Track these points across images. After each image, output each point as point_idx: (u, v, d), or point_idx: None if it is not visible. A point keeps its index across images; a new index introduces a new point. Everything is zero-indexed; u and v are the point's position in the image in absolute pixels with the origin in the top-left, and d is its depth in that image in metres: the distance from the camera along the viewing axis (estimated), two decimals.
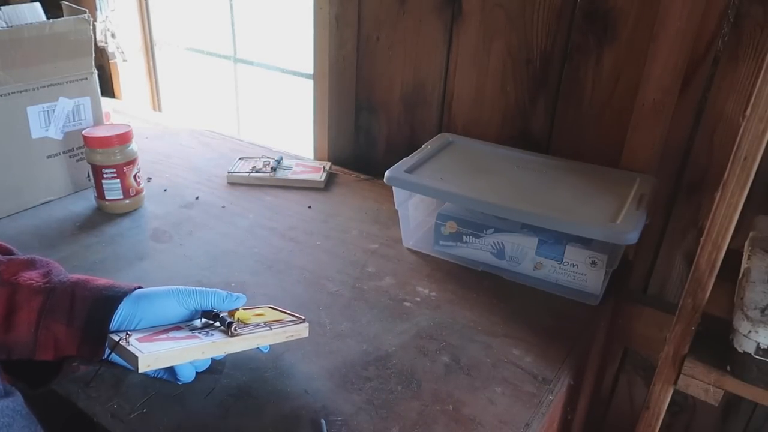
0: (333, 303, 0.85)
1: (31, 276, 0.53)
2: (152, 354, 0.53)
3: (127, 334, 0.55)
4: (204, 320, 0.64)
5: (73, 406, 0.67)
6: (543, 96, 1.06)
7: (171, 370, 0.63)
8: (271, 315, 0.69)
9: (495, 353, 0.77)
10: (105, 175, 1.05)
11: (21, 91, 1.03)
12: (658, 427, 0.75)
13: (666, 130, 0.94)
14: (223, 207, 1.11)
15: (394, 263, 0.96)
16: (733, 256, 0.73)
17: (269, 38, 1.55)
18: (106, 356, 0.55)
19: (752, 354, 0.62)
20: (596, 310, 0.87)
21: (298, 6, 1.41)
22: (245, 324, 0.64)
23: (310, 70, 1.28)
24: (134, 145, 1.07)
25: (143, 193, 1.11)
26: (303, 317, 0.69)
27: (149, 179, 1.20)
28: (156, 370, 0.61)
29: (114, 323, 0.54)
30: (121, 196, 1.07)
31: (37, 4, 1.09)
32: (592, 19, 0.97)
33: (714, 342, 0.67)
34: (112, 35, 1.63)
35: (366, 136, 1.33)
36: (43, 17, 1.08)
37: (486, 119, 1.14)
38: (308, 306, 0.84)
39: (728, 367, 0.66)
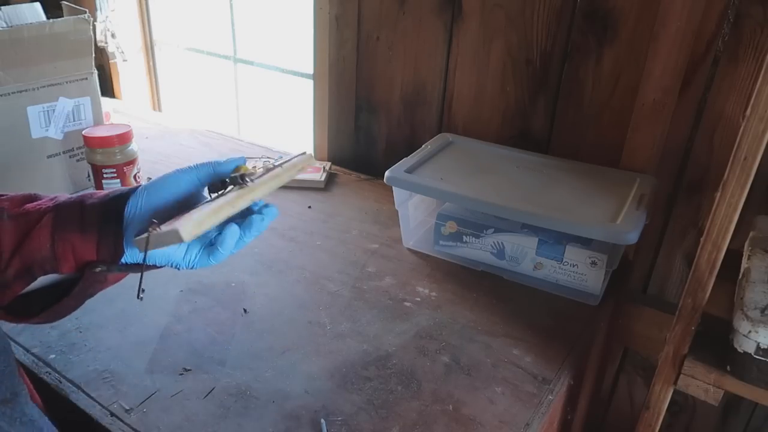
0: (333, 303, 0.85)
1: (39, 203, 0.54)
2: (190, 221, 0.52)
3: (152, 223, 0.53)
4: (211, 187, 0.61)
5: (73, 406, 0.67)
6: (543, 96, 1.06)
7: (210, 251, 0.59)
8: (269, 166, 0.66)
9: (495, 353, 0.77)
10: (105, 175, 1.05)
11: (21, 91, 1.03)
12: (658, 427, 0.75)
13: (666, 130, 0.94)
14: None
15: (394, 263, 0.96)
16: (733, 256, 0.73)
17: (269, 38, 1.55)
18: (142, 258, 0.54)
19: (752, 354, 0.62)
20: (596, 310, 0.87)
21: (298, 6, 1.41)
22: (255, 174, 0.62)
23: (310, 70, 1.28)
24: (134, 145, 1.07)
25: None
26: (302, 151, 0.67)
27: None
28: (195, 255, 0.58)
29: (127, 217, 0.53)
30: None
31: (37, 4, 1.09)
32: (592, 19, 0.97)
33: (714, 342, 0.67)
34: (112, 35, 1.63)
35: (366, 136, 1.33)
36: (43, 17, 1.08)
37: (486, 119, 1.14)
38: (308, 306, 0.84)
39: (728, 367, 0.66)
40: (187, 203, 0.57)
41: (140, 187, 0.56)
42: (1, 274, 0.51)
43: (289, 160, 0.63)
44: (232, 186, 0.59)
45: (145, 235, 0.52)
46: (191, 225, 0.52)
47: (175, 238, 0.51)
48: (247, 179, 0.58)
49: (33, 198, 0.56)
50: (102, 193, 0.56)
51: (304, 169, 0.64)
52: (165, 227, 0.52)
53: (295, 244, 0.99)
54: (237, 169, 0.60)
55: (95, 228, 0.53)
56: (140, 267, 0.56)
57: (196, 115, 1.78)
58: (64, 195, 0.56)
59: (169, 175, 0.57)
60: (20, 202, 0.54)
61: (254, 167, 0.64)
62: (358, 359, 0.75)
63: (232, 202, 0.56)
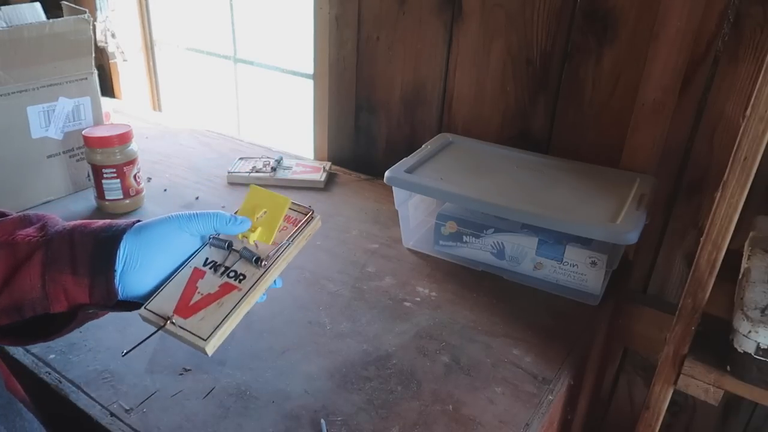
0: (333, 303, 0.85)
1: (28, 232, 0.52)
2: (213, 334, 0.52)
3: (167, 318, 0.53)
4: (213, 242, 0.59)
5: (73, 406, 0.67)
6: (543, 96, 1.06)
7: None
8: (271, 207, 0.61)
9: (495, 353, 0.77)
10: (105, 175, 1.05)
11: (21, 91, 1.03)
12: (658, 427, 0.75)
13: (666, 130, 0.94)
14: (223, 207, 1.11)
15: (394, 263, 0.96)
16: (733, 256, 0.73)
17: (269, 38, 1.55)
18: (151, 334, 0.53)
19: (752, 354, 0.62)
20: (596, 310, 0.87)
21: (298, 6, 1.41)
22: (264, 245, 0.59)
23: (310, 70, 1.28)
24: (134, 145, 1.07)
25: (143, 193, 1.11)
26: (307, 207, 0.62)
27: (149, 179, 1.20)
28: None
29: (119, 263, 0.52)
30: (121, 196, 1.07)
31: (37, 4, 1.09)
32: (592, 19, 0.97)
33: (714, 342, 0.67)
34: (112, 35, 1.63)
35: (366, 136, 1.33)
36: (43, 17, 1.08)
37: (486, 119, 1.14)
38: (308, 306, 0.84)
39: (728, 367, 0.65)
40: (180, 251, 0.56)
41: (134, 229, 0.53)
42: None
43: (298, 231, 0.60)
44: (239, 257, 0.57)
45: (159, 323, 0.52)
46: (216, 339, 0.52)
47: (198, 348, 0.52)
48: (262, 263, 0.56)
49: (24, 222, 0.53)
50: (94, 227, 0.53)
51: (311, 235, 0.62)
52: (179, 323, 0.52)
53: None
54: (245, 236, 0.59)
55: (87, 271, 0.51)
56: (131, 307, 0.55)
57: (196, 115, 1.78)
58: (53, 221, 0.54)
59: (167, 222, 0.55)
60: (10, 229, 0.52)
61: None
62: (358, 359, 0.75)
63: (250, 298, 0.55)
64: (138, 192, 1.09)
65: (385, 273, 0.93)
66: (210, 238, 0.58)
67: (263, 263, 0.56)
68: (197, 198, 1.14)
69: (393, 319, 0.82)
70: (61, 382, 0.70)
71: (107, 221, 0.55)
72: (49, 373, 0.71)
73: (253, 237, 0.58)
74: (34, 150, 1.07)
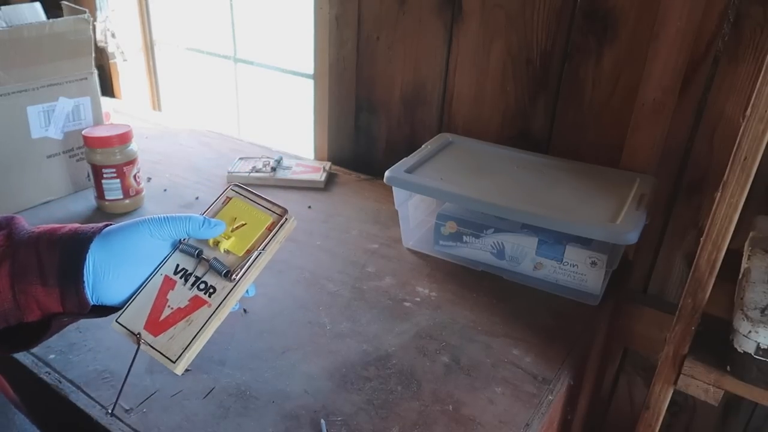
0: (333, 303, 0.85)
1: None
2: (181, 356, 0.51)
3: (136, 334, 0.52)
4: (183, 248, 0.57)
5: (73, 406, 0.67)
6: (543, 96, 1.06)
7: None
8: (251, 222, 0.59)
9: (495, 353, 0.77)
10: (105, 175, 1.05)
11: (21, 91, 1.03)
12: (658, 427, 0.75)
13: (666, 130, 0.94)
14: None
15: (394, 263, 0.96)
16: (733, 256, 0.73)
17: (269, 38, 1.55)
18: (130, 366, 0.53)
19: (752, 354, 0.62)
20: (596, 310, 0.87)
21: (298, 6, 1.41)
22: (234, 254, 0.57)
23: (310, 70, 1.28)
24: (134, 145, 1.07)
25: (143, 193, 1.11)
26: (282, 207, 0.60)
27: (149, 179, 1.20)
28: None
29: (87, 271, 0.50)
30: (121, 196, 1.07)
31: (37, 4, 1.09)
32: (592, 19, 0.97)
33: (714, 342, 0.67)
34: (112, 35, 1.63)
35: (366, 136, 1.33)
36: (43, 17, 1.08)
37: (486, 119, 1.14)
38: (308, 306, 0.84)
39: (728, 367, 0.65)
40: (151, 257, 0.55)
41: (101, 235, 0.52)
42: None
43: (271, 237, 0.58)
44: (208, 266, 0.55)
45: (136, 344, 0.52)
46: (185, 360, 0.52)
47: (168, 366, 0.52)
48: (233, 276, 0.54)
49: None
50: (60, 233, 0.51)
51: (285, 239, 0.59)
52: (148, 341, 0.52)
53: (295, 244, 0.99)
54: (215, 242, 0.57)
55: (56, 281, 0.50)
56: (108, 311, 0.54)
57: (196, 115, 1.78)
58: (18, 228, 0.52)
59: (135, 228, 0.53)
60: None
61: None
62: (358, 359, 0.75)
63: (220, 314, 0.54)
64: (138, 192, 1.09)
65: (385, 273, 0.93)
66: (180, 243, 0.56)
67: (233, 277, 0.54)
68: (197, 198, 1.14)
69: (393, 319, 0.82)
70: (61, 382, 0.70)
71: (75, 226, 0.53)
72: (49, 373, 0.71)
73: (225, 245, 0.57)
74: (34, 150, 1.07)
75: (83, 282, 0.50)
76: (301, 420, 0.65)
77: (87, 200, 1.12)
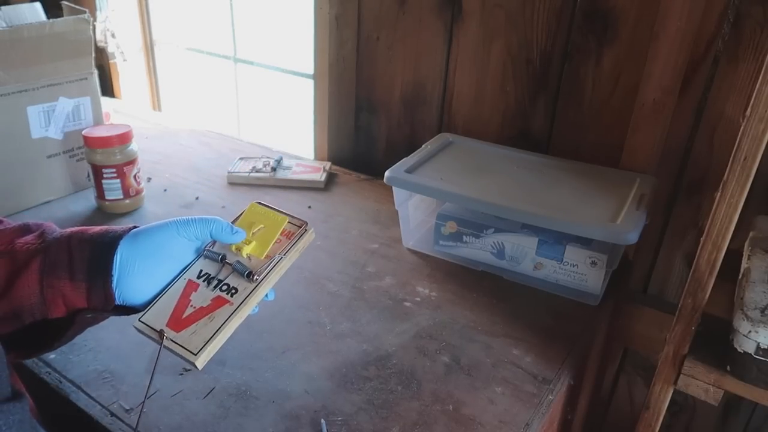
0: (333, 303, 0.85)
1: (27, 240, 0.52)
2: (203, 349, 0.53)
3: (159, 331, 0.54)
4: (207, 254, 0.59)
5: (73, 406, 0.67)
6: (543, 96, 1.06)
7: None
8: (268, 224, 0.62)
9: (495, 353, 0.77)
10: (105, 175, 1.05)
11: (21, 91, 1.03)
12: (658, 427, 0.75)
13: (666, 130, 0.94)
14: (223, 207, 1.11)
15: (394, 263, 0.96)
16: (733, 256, 0.73)
17: (269, 38, 1.55)
18: (156, 360, 0.54)
19: (752, 354, 0.62)
20: (596, 310, 0.87)
21: (298, 6, 1.41)
22: (256, 258, 0.59)
23: (310, 70, 1.28)
24: (134, 145, 1.07)
25: (143, 193, 1.11)
26: (303, 220, 0.62)
27: (149, 179, 1.20)
28: None
29: (115, 267, 0.52)
30: (121, 196, 1.07)
31: (37, 4, 1.09)
32: (592, 19, 0.97)
33: (714, 342, 0.67)
34: (112, 35, 1.63)
35: (366, 136, 1.33)
36: (43, 17, 1.08)
37: (486, 119, 1.14)
38: (308, 306, 0.84)
39: (728, 367, 0.66)
40: (176, 257, 0.57)
41: (130, 234, 0.54)
42: None
43: (291, 244, 0.60)
44: (231, 270, 0.58)
45: (154, 337, 0.53)
46: (206, 354, 0.53)
47: (189, 362, 0.52)
48: (254, 277, 0.57)
49: (24, 230, 0.54)
50: (91, 233, 0.54)
51: (304, 248, 0.62)
52: (172, 337, 0.53)
53: None
54: (238, 247, 0.59)
55: (84, 276, 0.52)
56: (129, 311, 0.55)
57: (196, 115, 1.78)
58: (51, 228, 0.55)
59: (164, 228, 0.56)
60: (10, 237, 0.52)
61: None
62: (358, 359, 0.75)
63: (241, 313, 0.55)
64: (138, 192, 1.09)
65: (385, 273, 0.93)
66: (204, 250, 0.58)
67: (255, 278, 0.57)
68: (197, 198, 1.14)
69: (393, 319, 0.82)
70: (61, 382, 0.70)
71: (104, 227, 0.55)
72: (49, 373, 0.71)
73: (247, 250, 0.59)
74: (34, 150, 1.07)
75: (111, 276, 0.52)
76: (301, 420, 0.65)
77: (87, 200, 1.12)
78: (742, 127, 0.56)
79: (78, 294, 0.52)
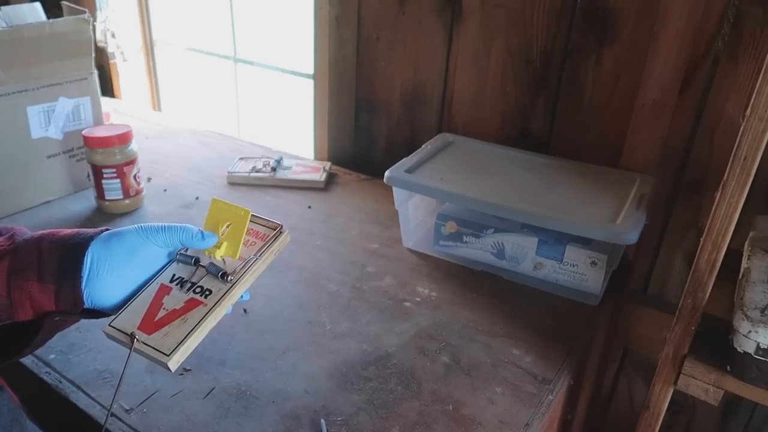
0: (333, 303, 0.85)
1: None
2: (176, 350, 0.52)
3: (130, 334, 0.53)
4: (180, 258, 0.59)
5: (73, 406, 0.67)
6: (543, 96, 1.06)
7: None
8: (234, 220, 0.60)
9: (495, 353, 0.77)
10: (105, 175, 1.05)
11: (21, 91, 1.03)
12: (658, 427, 0.75)
13: (666, 130, 0.94)
14: None
15: (394, 263, 0.96)
16: (733, 256, 0.73)
17: (269, 38, 1.55)
18: (125, 364, 0.53)
19: (752, 354, 0.62)
20: (596, 310, 0.87)
21: (298, 6, 1.41)
22: (231, 259, 0.59)
23: (310, 70, 1.28)
24: (134, 145, 1.07)
25: (143, 193, 1.11)
26: (278, 223, 0.62)
27: (149, 179, 1.20)
28: None
29: (85, 268, 0.52)
30: (121, 196, 1.07)
31: (37, 4, 1.09)
32: (592, 19, 0.97)
33: (714, 342, 0.67)
34: (112, 35, 1.63)
35: (366, 136, 1.33)
36: (43, 17, 1.08)
37: (486, 119, 1.14)
38: (308, 306, 0.84)
39: (728, 367, 0.66)
40: (148, 262, 0.56)
41: (101, 237, 0.54)
42: None
43: (266, 246, 0.60)
44: (205, 272, 0.57)
45: (126, 341, 0.52)
46: (178, 355, 0.52)
47: (162, 364, 0.52)
48: (229, 278, 0.56)
49: (3, 228, 0.53)
50: (62, 234, 0.54)
51: (279, 251, 0.61)
52: (143, 340, 0.52)
53: (295, 244, 0.99)
54: (210, 252, 0.58)
55: (53, 278, 0.51)
56: (98, 315, 0.55)
57: (196, 115, 1.78)
58: (21, 231, 0.54)
59: (133, 232, 0.55)
60: None
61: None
62: (358, 359, 0.75)
63: (215, 313, 0.55)
64: (138, 192, 1.09)
65: (385, 273, 0.93)
66: (177, 254, 0.58)
67: (230, 278, 0.56)
68: (197, 198, 1.14)
69: (393, 319, 0.82)
70: (61, 382, 0.70)
71: (75, 230, 0.55)
72: (49, 373, 0.71)
73: (220, 253, 0.58)
74: (34, 150, 1.07)
75: (81, 278, 0.51)
76: (301, 420, 0.65)
77: (87, 200, 1.12)
78: (742, 127, 0.56)
79: (46, 296, 0.51)
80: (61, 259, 0.52)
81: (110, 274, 0.53)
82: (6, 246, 0.52)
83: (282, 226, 0.61)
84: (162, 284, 0.56)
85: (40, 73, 1.04)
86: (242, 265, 0.57)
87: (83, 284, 0.52)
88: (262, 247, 0.59)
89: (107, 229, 0.55)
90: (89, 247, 0.52)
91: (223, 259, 0.58)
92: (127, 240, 0.55)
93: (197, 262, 0.57)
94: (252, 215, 0.61)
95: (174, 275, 0.57)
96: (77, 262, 0.52)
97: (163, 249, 0.57)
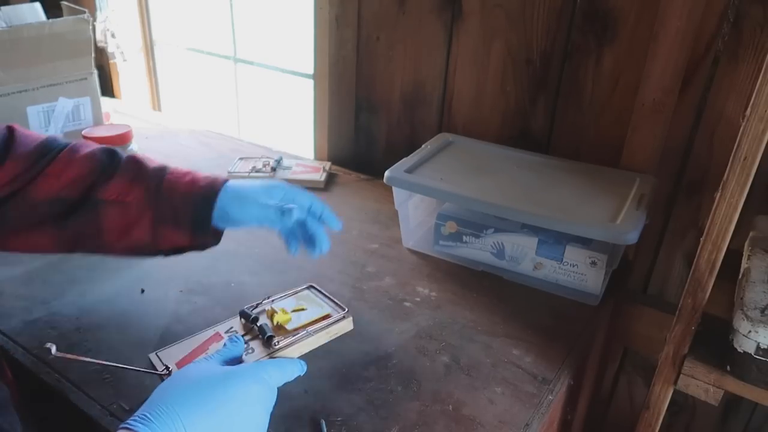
0: None
1: (136, 195, 0.65)
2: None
3: (166, 367, 0.58)
4: (242, 313, 0.64)
5: (73, 406, 0.67)
6: (543, 96, 1.06)
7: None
8: (311, 307, 0.66)
9: (495, 353, 0.77)
10: None
11: (21, 91, 1.03)
12: (658, 427, 0.75)
13: (666, 130, 0.94)
14: None
15: (394, 263, 0.96)
16: (733, 256, 0.73)
17: (269, 38, 1.55)
18: (144, 371, 0.62)
19: (752, 354, 0.62)
20: (596, 310, 0.87)
21: (298, 6, 1.41)
22: (284, 328, 0.62)
23: (310, 70, 1.28)
24: (134, 145, 1.07)
25: None
26: (345, 307, 0.66)
27: None
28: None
29: (214, 217, 0.65)
30: None
31: (37, 4, 1.09)
32: (592, 19, 0.97)
33: (714, 342, 0.67)
34: (112, 35, 1.63)
35: (366, 136, 1.33)
36: (43, 17, 1.08)
37: (486, 119, 1.14)
38: None
39: (728, 367, 0.66)
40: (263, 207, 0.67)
41: (228, 190, 0.66)
42: (109, 251, 0.66)
43: (323, 327, 0.63)
44: (257, 332, 0.61)
45: (160, 375, 0.58)
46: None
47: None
48: (274, 343, 0.60)
49: (136, 174, 0.66)
50: (192, 191, 0.65)
51: (336, 335, 0.65)
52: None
53: None
54: (271, 313, 0.63)
55: (189, 225, 0.65)
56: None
57: (196, 115, 1.78)
58: (151, 179, 0.67)
59: (252, 189, 0.67)
60: (120, 189, 0.64)
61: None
62: (358, 359, 0.74)
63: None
64: None
65: (385, 273, 0.93)
66: (240, 313, 0.65)
67: (274, 342, 0.60)
68: None
69: (393, 319, 0.82)
70: (60, 382, 0.70)
71: (201, 180, 0.67)
72: (49, 373, 0.71)
73: (278, 318, 0.63)
74: None
75: (209, 226, 0.66)
76: (301, 420, 0.65)
77: None
78: (742, 127, 0.56)
79: (184, 238, 0.66)
80: (194, 212, 0.65)
81: (236, 214, 0.66)
82: (146, 202, 0.65)
83: (347, 311, 0.65)
84: (216, 332, 0.62)
85: (39, 73, 1.04)
86: (292, 336, 0.61)
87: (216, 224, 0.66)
88: (318, 325, 0.63)
89: (226, 180, 0.67)
90: (216, 200, 0.65)
91: (278, 324, 0.63)
92: (251, 196, 0.66)
93: (255, 321, 0.63)
94: (320, 291, 0.68)
95: (231, 327, 0.63)
96: (207, 218, 0.65)
97: (276, 206, 0.68)
